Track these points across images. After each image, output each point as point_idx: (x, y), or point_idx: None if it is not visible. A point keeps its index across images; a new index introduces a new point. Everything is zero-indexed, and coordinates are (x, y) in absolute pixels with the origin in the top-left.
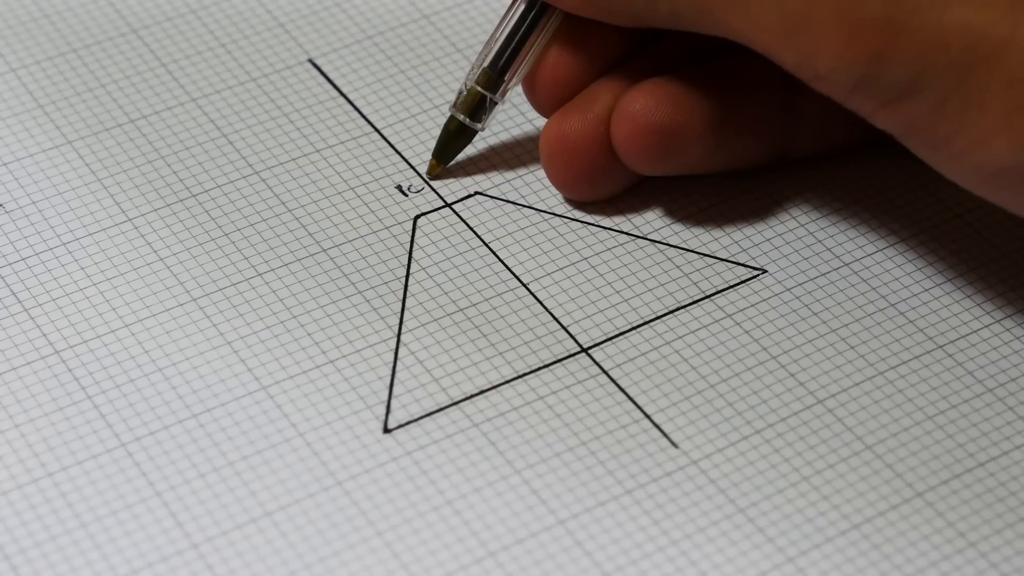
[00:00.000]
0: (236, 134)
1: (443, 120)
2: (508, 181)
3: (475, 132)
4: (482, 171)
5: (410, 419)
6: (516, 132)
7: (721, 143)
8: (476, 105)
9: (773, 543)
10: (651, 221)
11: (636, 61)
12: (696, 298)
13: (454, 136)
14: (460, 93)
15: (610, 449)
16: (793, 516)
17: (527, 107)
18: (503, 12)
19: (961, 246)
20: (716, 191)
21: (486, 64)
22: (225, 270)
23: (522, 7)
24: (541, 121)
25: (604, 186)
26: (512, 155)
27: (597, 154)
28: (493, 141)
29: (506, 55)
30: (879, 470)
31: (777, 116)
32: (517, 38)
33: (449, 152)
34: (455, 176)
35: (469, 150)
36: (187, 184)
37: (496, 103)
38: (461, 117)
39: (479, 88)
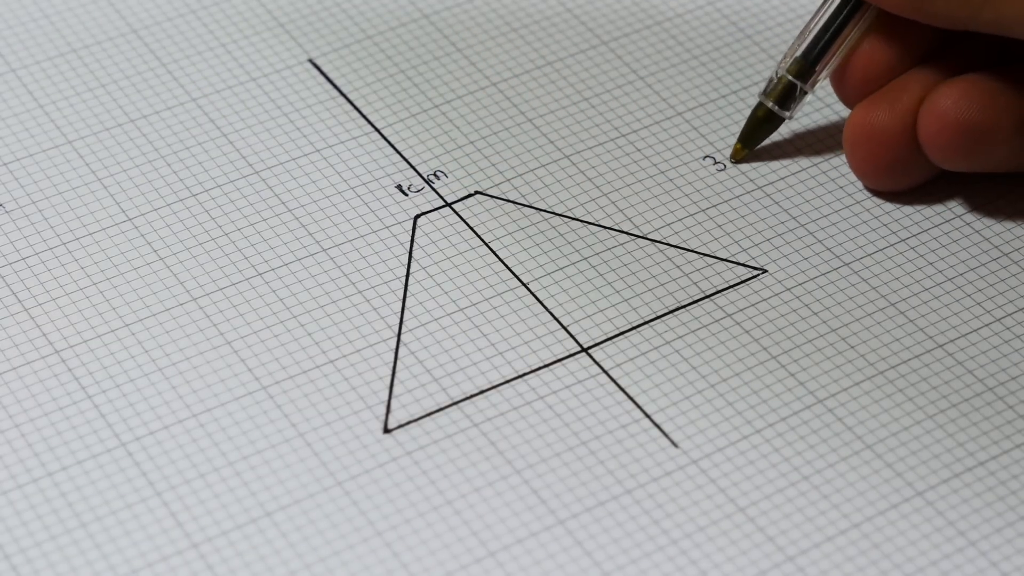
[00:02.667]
0: (236, 134)
1: (443, 120)
2: (508, 181)
3: (782, 120)
4: (482, 171)
5: (410, 419)
6: (516, 131)
7: None
8: (785, 93)
9: (773, 542)
10: (651, 221)
11: (946, 56)
12: (696, 298)
13: (761, 123)
14: (771, 81)
15: (610, 449)
16: (793, 515)
17: (528, 107)
18: (816, 5)
19: (961, 246)
20: (716, 191)
21: (799, 54)
22: (225, 270)
23: (837, 1)
24: (543, 117)
25: (905, 178)
26: (513, 155)
27: (902, 146)
28: (493, 140)
29: (819, 47)
30: (879, 469)
31: None
32: (831, 31)
33: (755, 138)
34: (456, 176)
35: (469, 150)
36: (187, 184)
37: (806, 93)
38: (770, 104)
39: (790, 77)
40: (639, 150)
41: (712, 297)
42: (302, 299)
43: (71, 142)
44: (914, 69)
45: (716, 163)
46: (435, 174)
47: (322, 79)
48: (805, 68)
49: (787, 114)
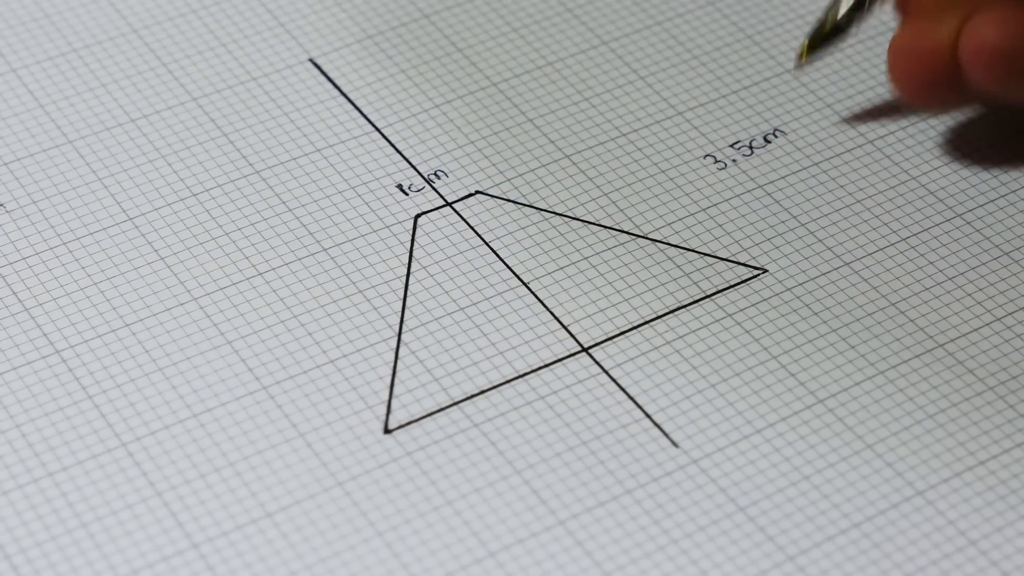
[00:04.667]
0: (236, 133)
1: (443, 120)
2: (508, 180)
3: (848, 31)
4: (482, 171)
5: (410, 419)
6: (516, 131)
7: None
8: (857, 6)
9: (773, 542)
10: (651, 221)
11: None
12: (696, 298)
13: (831, 32)
14: None
15: (610, 449)
16: (793, 515)
17: (528, 107)
18: None
19: (961, 245)
20: (716, 191)
21: None
22: (225, 270)
23: None
24: (543, 117)
25: (946, 98)
26: (512, 155)
27: (944, 64)
28: (493, 140)
29: None
30: (879, 469)
31: None
32: None
33: (824, 42)
34: (456, 175)
35: (470, 150)
36: (187, 183)
37: (874, 7)
38: (843, 10)
39: None
40: (640, 149)
41: (712, 297)
42: (302, 299)
43: (71, 142)
44: None
45: (716, 162)
46: (435, 174)
47: (322, 79)
48: None
49: (855, 28)
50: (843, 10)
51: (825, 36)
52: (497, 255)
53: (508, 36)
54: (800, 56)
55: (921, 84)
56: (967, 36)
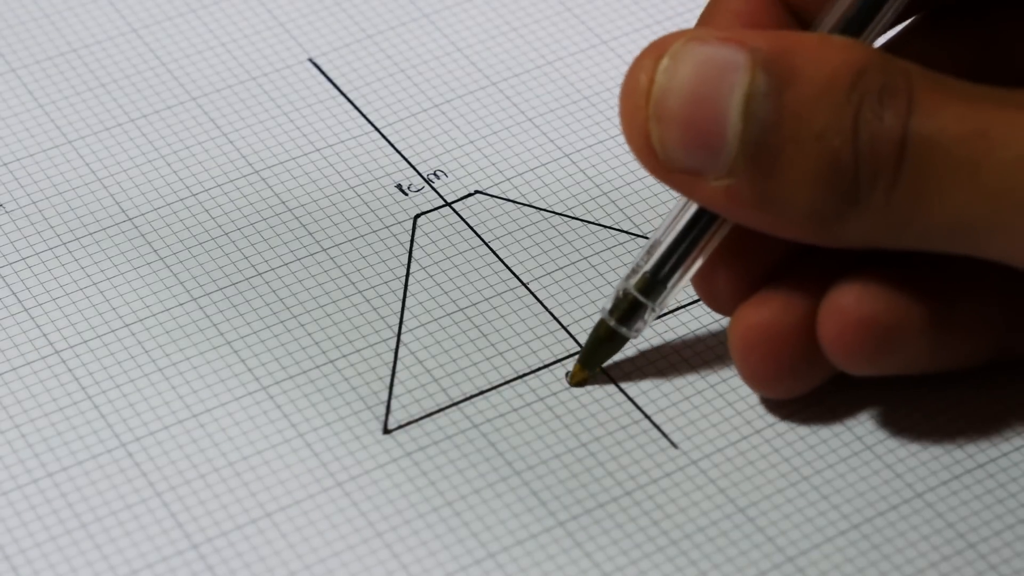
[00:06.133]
0: (236, 133)
1: (443, 119)
2: (508, 180)
3: (626, 339)
4: (482, 170)
5: (410, 419)
6: (516, 131)
7: (940, 343)
8: (630, 311)
9: (773, 543)
10: (651, 220)
11: (834, 251)
12: (696, 298)
13: (603, 342)
14: (616, 297)
15: (610, 450)
16: (793, 516)
17: (528, 106)
18: (667, 212)
19: None
20: None
21: (647, 269)
22: (225, 270)
23: (691, 214)
24: (543, 116)
25: (805, 381)
26: (512, 154)
27: (803, 347)
28: (494, 140)
29: (671, 262)
30: (879, 470)
31: (1003, 315)
32: (685, 244)
33: (596, 359)
34: (456, 175)
35: (469, 150)
36: (187, 183)
37: (653, 311)
38: (612, 323)
39: (635, 294)
40: None
41: None
42: (302, 299)
43: (71, 142)
44: (804, 263)
45: None
46: (435, 174)
47: (322, 78)
48: (654, 284)
49: (633, 333)
50: (614, 321)
51: (598, 348)
52: (497, 255)
53: (508, 36)
54: (573, 376)
55: (782, 371)
56: (826, 312)
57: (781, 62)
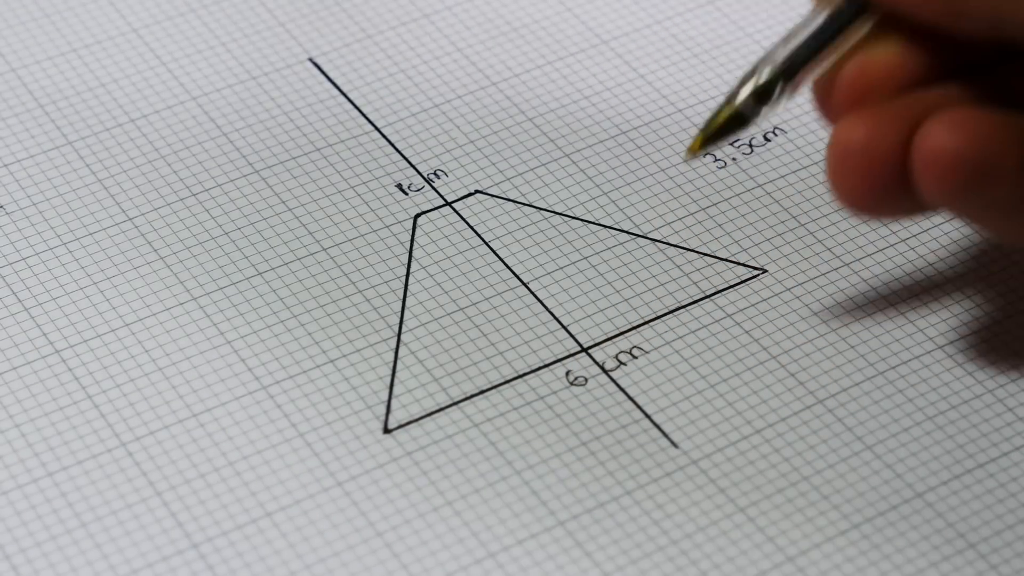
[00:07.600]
0: (236, 133)
1: (443, 119)
2: (508, 180)
3: (750, 120)
4: (482, 170)
5: (410, 419)
6: (516, 131)
7: None
8: (763, 92)
9: (773, 542)
10: (651, 220)
11: (954, 82)
12: (696, 298)
13: (729, 121)
14: (748, 76)
15: (610, 449)
16: (793, 516)
17: (528, 106)
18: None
19: (961, 246)
20: (716, 190)
21: (785, 55)
22: (225, 269)
23: (830, 9)
24: (543, 116)
25: (895, 207)
26: (512, 154)
27: (897, 170)
28: (494, 140)
29: (808, 49)
30: (879, 470)
31: None
32: (827, 34)
33: (719, 135)
34: (456, 175)
35: (469, 150)
36: (187, 183)
37: (782, 96)
38: (740, 101)
39: (769, 76)
40: (639, 147)
41: (712, 297)
42: (302, 299)
43: (71, 142)
44: (916, 90)
45: (716, 161)
46: (435, 173)
47: (322, 78)
48: (789, 69)
49: (758, 117)
50: (741, 98)
51: (721, 126)
52: (497, 255)
53: (508, 36)
54: (691, 148)
55: (866, 194)
56: (920, 141)
57: None
